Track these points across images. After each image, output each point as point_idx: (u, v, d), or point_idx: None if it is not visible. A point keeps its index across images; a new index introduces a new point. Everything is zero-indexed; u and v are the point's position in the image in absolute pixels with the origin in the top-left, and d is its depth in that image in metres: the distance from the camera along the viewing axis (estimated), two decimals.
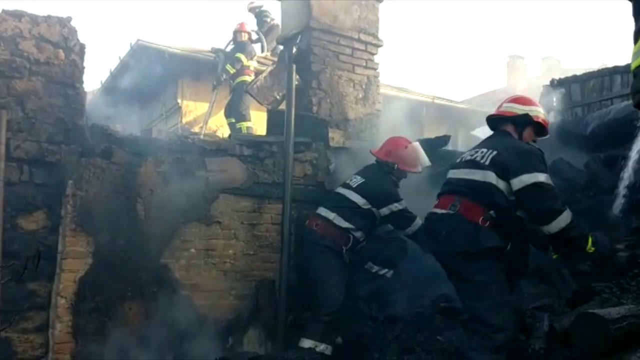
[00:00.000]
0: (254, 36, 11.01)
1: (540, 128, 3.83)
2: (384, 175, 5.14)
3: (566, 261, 3.84)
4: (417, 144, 5.28)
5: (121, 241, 4.73)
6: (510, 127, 3.79)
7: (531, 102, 3.90)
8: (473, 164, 3.61)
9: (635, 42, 2.19)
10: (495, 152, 3.54)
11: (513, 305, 3.53)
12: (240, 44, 10.26)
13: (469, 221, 3.48)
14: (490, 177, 3.48)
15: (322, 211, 5.08)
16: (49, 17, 4.83)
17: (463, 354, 3.36)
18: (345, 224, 4.96)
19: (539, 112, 3.82)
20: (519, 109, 3.80)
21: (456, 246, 3.51)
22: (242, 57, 9.93)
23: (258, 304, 5.25)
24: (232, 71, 9.91)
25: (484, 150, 3.62)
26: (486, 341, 3.26)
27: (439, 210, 3.69)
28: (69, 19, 4.92)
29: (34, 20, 4.76)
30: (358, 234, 5.00)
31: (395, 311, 4.82)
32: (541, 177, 3.41)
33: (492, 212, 3.46)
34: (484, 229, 3.44)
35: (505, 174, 3.45)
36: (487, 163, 3.53)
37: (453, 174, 3.78)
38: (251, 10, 12.68)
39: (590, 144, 5.36)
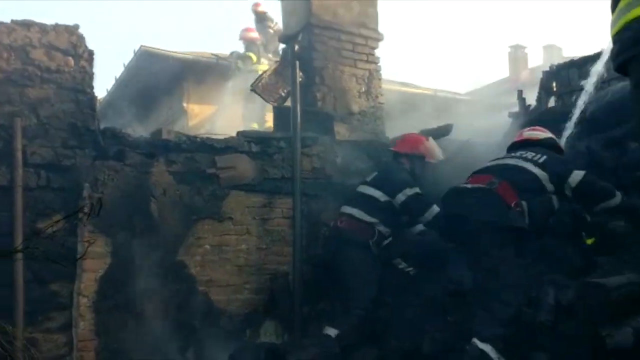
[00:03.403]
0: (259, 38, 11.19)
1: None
2: (397, 165, 5.25)
3: None
4: (431, 138, 5.57)
5: (138, 240, 4.86)
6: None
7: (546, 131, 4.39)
8: (522, 159, 3.93)
9: (613, 11, 2.30)
10: (545, 157, 3.92)
11: (523, 285, 3.67)
12: (248, 45, 10.41)
13: (503, 200, 3.75)
14: (543, 175, 3.83)
15: (346, 209, 5.10)
16: (57, 25, 4.95)
17: (472, 329, 3.48)
18: (369, 218, 4.95)
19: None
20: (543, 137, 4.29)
21: (482, 215, 3.77)
22: (252, 55, 10.09)
23: (273, 297, 5.37)
24: (241, 67, 10.09)
25: (533, 154, 3.97)
26: (495, 315, 3.40)
27: (469, 185, 3.97)
28: (77, 26, 5.03)
29: (43, 29, 4.88)
30: (381, 228, 4.97)
31: (407, 297, 4.93)
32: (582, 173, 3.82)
33: (524, 202, 3.74)
34: (514, 211, 3.72)
35: (558, 178, 3.82)
36: (540, 161, 3.88)
37: (493, 162, 4.10)
38: (255, 12, 12.85)
39: (590, 127, 5.44)
